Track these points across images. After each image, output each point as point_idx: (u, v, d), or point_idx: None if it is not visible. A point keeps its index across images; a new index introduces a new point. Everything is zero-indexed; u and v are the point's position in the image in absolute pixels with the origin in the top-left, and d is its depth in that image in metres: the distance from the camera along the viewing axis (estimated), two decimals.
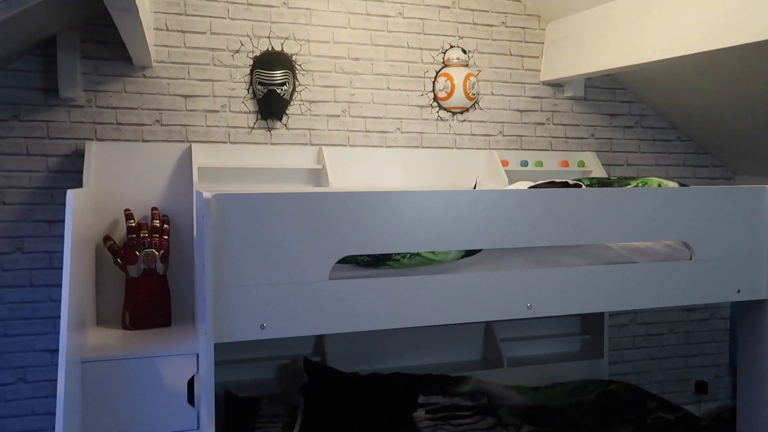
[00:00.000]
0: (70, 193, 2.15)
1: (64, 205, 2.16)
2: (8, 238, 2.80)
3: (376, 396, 2.87)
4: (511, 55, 3.51)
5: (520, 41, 3.52)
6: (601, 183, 2.70)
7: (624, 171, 3.75)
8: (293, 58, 3.12)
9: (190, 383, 2.30)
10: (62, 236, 2.75)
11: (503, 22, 3.48)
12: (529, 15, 3.52)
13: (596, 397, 3.10)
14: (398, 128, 3.33)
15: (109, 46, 2.86)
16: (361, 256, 1.92)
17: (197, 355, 2.31)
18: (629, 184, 2.55)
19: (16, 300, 2.82)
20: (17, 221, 2.80)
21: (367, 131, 3.27)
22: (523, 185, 2.67)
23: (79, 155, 2.82)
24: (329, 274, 1.87)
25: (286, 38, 3.11)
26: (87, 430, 2.20)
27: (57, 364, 2.79)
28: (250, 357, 3.00)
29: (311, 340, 3.12)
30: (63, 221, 2.70)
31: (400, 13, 3.29)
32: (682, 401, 3.68)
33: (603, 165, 3.58)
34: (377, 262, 1.95)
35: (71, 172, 2.83)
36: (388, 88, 3.30)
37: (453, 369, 3.20)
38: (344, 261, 1.91)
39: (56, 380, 2.80)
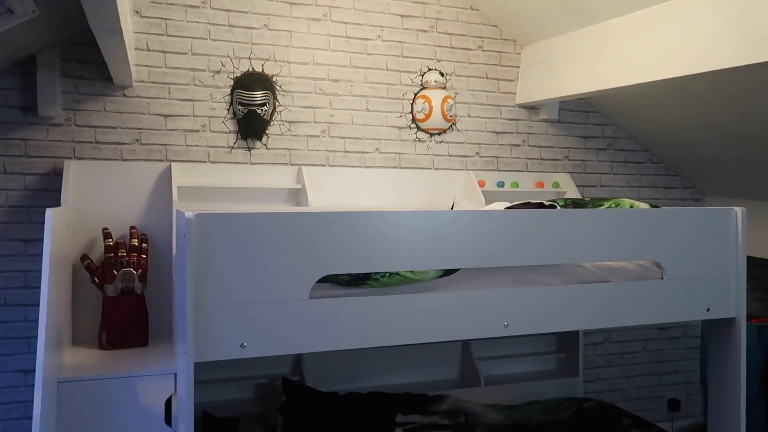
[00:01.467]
0: (49, 212, 2.14)
1: (42, 223, 2.16)
2: None
3: (354, 415, 2.87)
4: (487, 78, 3.58)
5: (497, 65, 3.60)
6: (575, 204, 2.75)
7: (597, 192, 3.84)
8: (274, 79, 3.15)
9: (168, 403, 2.29)
10: (38, 255, 2.73)
11: (480, 46, 3.56)
12: (505, 39, 3.61)
13: (572, 414, 3.13)
14: (377, 149, 3.37)
15: (89, 66, 2.87)
16: (341, 275, 1.95)
17: (175, 374, 2.31)
18: (602, 205, 2.61)
19: None
20: None
21: (346, 151, 3.31)
22: (500, 206, 2.72)
23: (57, 174, 2.81)
24: (310, 293, 1.89)
25: (267, 59, 3.15)
26: None
27: (31, 385, 2.75)
28: (227, 377, 2.98)
29: (289, 360, 3.12)
30: (40, 240, 2.68)
31: (379, 36, 3.35)
32: (655, 418, 3.74)
33: (577, 186, 3.66)
34: (357, 281, 1.97)
35: (49, 190, 2.82)
36: (368, 109, 3.35)
37: (431, 388, 3.22)
38: (325, 280, 1.93)
39: (30, 401, 2.78)
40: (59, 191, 2.72)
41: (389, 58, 3.38)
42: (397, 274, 2.00)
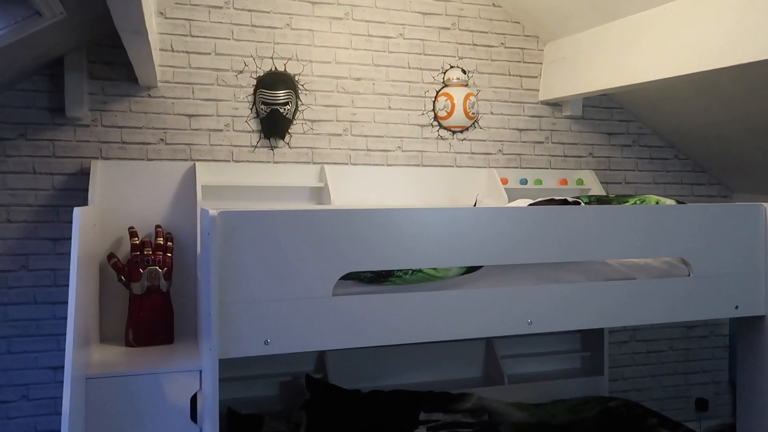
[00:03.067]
0: (77, 211, 2.18)
1: (70, 222, 2.19)
2: (13, 256, 2.82)
3: (377, 413, 2.88)
4: (510, 75, 3.56)
5: (519, 61, 3.58)
6: (599, 200, 2.73)
7: (622, 189, 3.79)
8: (296, 78, 3.17)
9: (193, 400, 2.31)
10: (67, 254, 2.78)
11: (502, 43, 3.54)
12: (528, 36, 3.58)
13: (597, 414, 3.10)
14: (399, 147, 3.37)
15: (115, 67, 2.91)
16: (364, 272, 1.95)
17: (200, 371, 2.33)
18: (627, 202, 2.58)
19: (20, 317, 2.83)
20: (23, 239, 2.83)
21: (368, 150, 3.31)
22: (523, 203, 2.70)
23: (85, 174, 2.85)
24: (333, 290, 1.90)
25: (289, 59, 3.16)
26: None
27: (60, 382, 2.80)
28: (252, 374, 3.01)
29: (313, 358, 3.14)
30: (68, 239, 2.73)
31: (401, 35, 3.35)
32: (682, 418, 3.69)
33: (601, 183, 3.63)
34: (380, 278, 1.97)
35: (77, 190, 2.87)
36: (389, 107, 3.35)
37: (454, 386, 3.21)
38: (347, 277, 1.93)
39: (59, 397, 2.83)
40: (86, 191, 2.76)
41: (411, 56, 3.38)
42: (420, 271, 1.99)
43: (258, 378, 3.03)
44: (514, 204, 2.86)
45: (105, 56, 2.90)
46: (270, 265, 1.84)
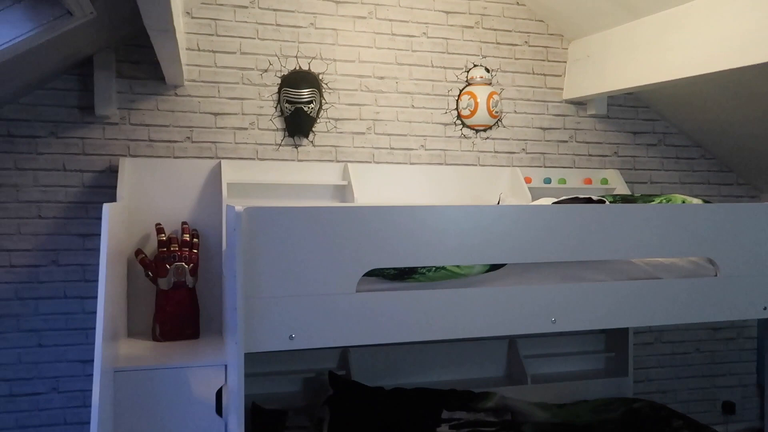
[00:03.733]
0: (106, 207, 2.22)
1: (99, 219, 2.23)
2: (44, 251, 2.88)
3: (400, 410, 2.89)
4: (533, 73, 3.55)
5: (543, 60, 3.56)
6: (624, 199, 2.71)
7: (647, 189, 3.75)
8: (320, 77, 3.19)
9: (219, 394, 2.35)
10: (95, 249, 2.84)
11: (526, 42, 3.53)
12: (552, 34, 3.57)
13: (621, 415, 3.08)
14: (422, 145, 3.37)
15: (143, 66, 2.96)
16: (387, 269, 1.96)
17: (225, 366, 2.36)
18: (653, 201, 2.56)
19: (51, 311, 2.89)
20: (53, 235, 2.89)
21: (391, 148, 3.32)
22: (547, 202, 2.69)
23: (113, 171, 2.90)
24: (356, 287, 1.91)
25: (313, 58, 3.19)
26: None
27: (89, 375, 2.86)
28: (276, 370, 3.04)
29: (336, 354, 3.15)
30: (97, 235, 2.79)
31: (424, 33, 3.36)
32: (708, 422, 3.64)
33: (626, 183, 3.59)
34: (403, 275, 1.98)
35: (105, 187, 2.92)
36: (413, 106, 3.35)
37: (476, 385, 3.21)
38: (371, 274, 1.94)
39: (88, 390, 2.89)
40: (115, 188, 2.81)
41: (434, 54, 3.38)
42: (443, 268, 2.00)
43: (282, 374, 3.06)
44: (537, 203, 2.85)
45: (133, 55, 2.95)
46: (294, 261, 1.86)
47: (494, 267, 2.07)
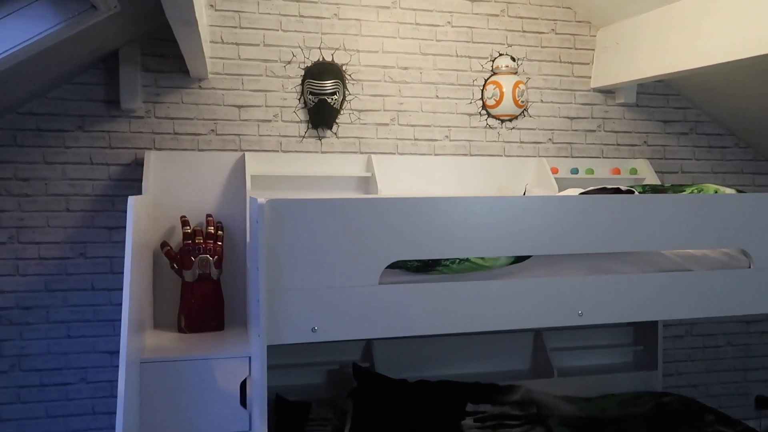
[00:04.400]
0: (131, 200, 2.23)
1: (125, 211, 2.25)
2: (72, 244, 2.92)
3: (424, 403, 2.87)
4: (560, 62, 3.48)
5: (570, 48, 3.49)
6: (654, 190, 2.65)
7: (678, 179, 3.67)
8: (343, 68, 3.17)
9: (243, 386, 2.36)
10: (122, 242, 2.85)
11: (553, 30, 3.46)
12: (580, 22, 3.50)
13: (650, 409, 3.02)
14: (447, 136, 3.34)
15: (168, 60, 2.97)
16: (410, 261, 1.94)
17: (249, 358, 2.37)
18: (684, 191, 2.50)
19: (79, 303, 2.93)
20: (81, 227, 2.92)
21: (415, 139, 3.30)
22: (574, 192, 2.64)
23: (139, 164, 2.93)
24: (379, 279, 1.90)
25: (337, 49, 3.17)
26: (144, 428, 2.27)
27: (116, 366, 2.89)
28: (300, 362, 3.04)
29: (360, 346, 3.15)
30: (123, 227, 2.81)
31: (448, 22, 3.32)
32: (741, 416, 3.55)
33: (656, 173, 3.51)
34: (427, 267, 1.96)
35: (131, 180, 2.95)
36: (437, 96, 3.32)
37: (501, 378, 3.18)
38: (394, 266, 1.92)
39: (115, 381, 2.92)
40: (140, 181, 2.83)
41: (459, 44, 3.34)
42: (468, 260, 1.97)
43: (305, 366, 3.06)
44: (564, 194, 2.80)
45: (158, 49, 2.96)
46: (317, 253, 1.85)
47: (519, 259, 2.04)
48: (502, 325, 2.05)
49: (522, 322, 2.07)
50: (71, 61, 2.64)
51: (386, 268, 1.90)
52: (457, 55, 3.34)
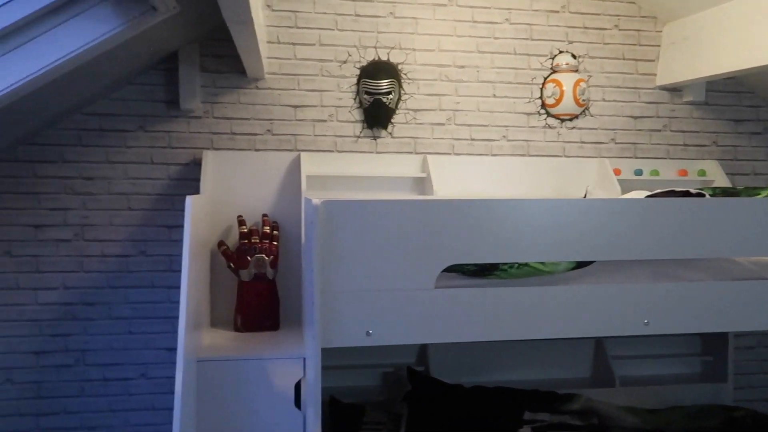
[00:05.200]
0: (189, 199, 2.26)
1: (183, 211, 2.28)
2: (133, 242, 2.98)
3: (480, 409, 2.81)
4: (624, 59, 3.35)
5: (635, 44, 3.36)
6: (725, 193, 2.51)
7: (750, 181, 3.48)
8: (399, 67, 3.14)
9: (297, 387, 2.35)
10: (181, 240, 2.89)
11: (616, 25, 3.34)
12: (644, 17, 3.36)
13: (720, 424, 2.87)
14: (504, 136, 3.26)
15: (225, 60, 3.00)
16: (467, 265, 1.89)
17: (304, 359, 2.36)
18: (759, 194, 2.36)
19: (139, 300, 3.00)
20: (141, 226, 2.99)
21: (472, 139, 3.23)
22: (639, 195, 2.53)
23: (197, 164, 2.96)
24: (435, 283, 1.85)
25: (392, 48, 3.13)
26: (201, 426, 2.29)
27: (174, 363, 2.94)
28: (354, 364, 3.02)
29: (414, 349, 3.11)
30: (182, 226, 2.85)
31: (507, 20, 3.24)
32: None
33: (726, 174, 3.34)
34: (484, 271, 1.91)
35: (189, 179, 2.99)
36: (494, 95, 3.25)
37: (560, 386, 3.08)
38: (450, 270, 1.88)
39: (173, 378, 2.95)
40: (198, 180, 2.87)
41: (517, 41, 3.25)
42: (527, 265, 1.91)
43: (360, 368, 3.04)
44: (628, 196, 2.69)
45: (215, 50, 3.00)
46: (372, 255, 1.82)
47: (581, 264, 1.96)
48: (562, 334, 1.97)
49: (583, 331, 1.99)
50: (133, 62, 2.70)
51: (442, 271, 1.86)
52: (516, 53, 3.26)
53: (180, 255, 2.86)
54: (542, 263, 1.92)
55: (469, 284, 1.91)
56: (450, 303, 1.87)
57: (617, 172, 3.22)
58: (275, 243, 2.79)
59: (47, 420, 2.95)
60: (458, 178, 3.10)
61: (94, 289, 2.97)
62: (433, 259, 1.85)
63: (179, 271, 2.90)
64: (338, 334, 1.82)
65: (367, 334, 1.83)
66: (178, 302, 2.79)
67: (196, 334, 2.38)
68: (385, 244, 1.82)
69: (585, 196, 3.00)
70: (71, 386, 2.96)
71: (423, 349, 3.08)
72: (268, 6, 3.01)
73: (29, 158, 2.89)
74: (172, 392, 2.97)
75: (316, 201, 1.80)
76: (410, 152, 3.17)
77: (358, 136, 3.13)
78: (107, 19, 1.99)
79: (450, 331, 1.90)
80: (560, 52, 3.28)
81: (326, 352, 1.82)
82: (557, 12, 3.28)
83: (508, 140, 3.27)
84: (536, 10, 3.26)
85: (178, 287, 2.78)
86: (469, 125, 3.22)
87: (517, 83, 3.26)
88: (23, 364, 2.92)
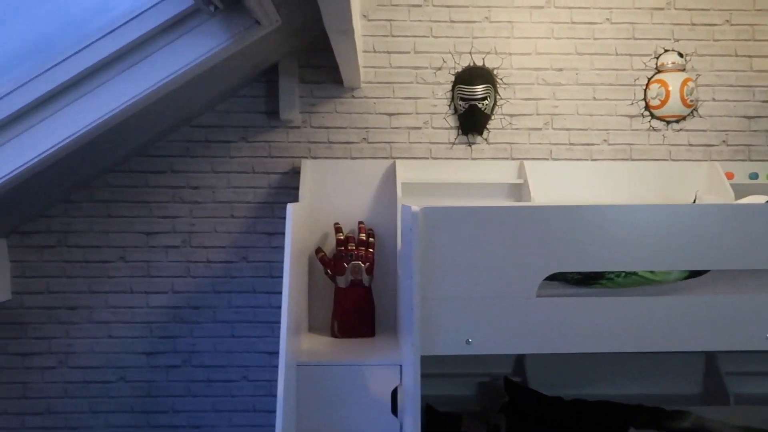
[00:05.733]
0: (290, 207, 2.32)
1: (283, 218, 2.35)
2: (236, 248, 3.10)
3: (581, 424, 2.70)
4: (736, 56, 3.15)
5: (748, 40, 3.15)
6: None
7: None
8: (494, 72, 3.09)
9: (394, 393, 2.36)
10: (280, 247, 2.99)
11: (727, 21, 3.15)
12: (759, 10, 3.15)
13: None
14: (605, 140, 3.14)
15: (322, 70, 3.06)
16: (571, 273, 1.83)
17: (400, 366, 2.36)
18: None
19: (241, 305, 3.11)
20: (243, 233, 3.10)
21: (570, 144, 3.14)
22: (758, 199, 2.37)
23: (296, 172, 3.04)
24: (537, 291, 1.80)
25: (488, 53, 3.10)
26: (300, 428, 2.34)
27: (274, 366, 3.03)
28: (449, 372, 2.99)
29: (511, 359, 3.04)
30: (281, 233, 2.94)
31: (607, 19, 3.12)
32: None
33: None
34: (589, 280, 1.84)
35: (289, 188, 3.07)
36: (594, 98, 3.14)
37: (668, 401, 2.91)
38: (553, 278, 1.83)
39: (273, 380, 3.06)
40: (297, 188, 2.94)
41: (618, 41, 3.13)
42: (635, 274, 1.83)
43: (456, 376, 3.00)
44: (744, 201, 2.52)
45: (313, 61, 3.07)
46: (472, 263, 1.80)
47: (695, 273, 1.85)
48: (673, 347, 1.87)
49: (697, 345, 1.88)
50: (237, 75, 2.81)
51: (544, 280, 1.81)
52: (617, 54, 3.14)
53: (279, 261, 2.97)
54: (652, 272, 1.83)
55: (573, 293, 1.85)
56: (553, 312, 1.82)
57: (729, 176, 3.03)
58: (371, 250, 2.81)
59: (156, 417, 3.11)
60: (556, 184, 3.02)
61: (199, 293, 3.11)
62: (535, 267, 1.80)
63: (279, 277, 3.01)
64: (437, 343, 1.81)
65: (467, 342, 1.81)
66: (278, 307, 2.89)
67: (296, 339, 2.44)
68: (486, 251, 1.79)
69: (694, 202, 2.84)
70: (178, 386, 3.11)
71: (520, 359, 3.00)
72: (365, 16, 3.06)
73: (141, 169, 3.07)
74: (272, 395, 3.09)
75: (415, 208, 1.79)
76: (506, 158, 3.12)
77: (453, 143, 3.12)
78: (215, 34, 2.08)
79: (552, 342, 1.84)
80: (665, 50, 3.13)
81: (423, 360, 1.82)
82: (662, 9, 3.13)
83: (609, 144, 3.15)
84: (639, 8, 3.13)
85: (278, 293, 2.88)
86: (567, 129, 3.13)
87: (619, 85, 3.14)
88: (136, 363, 3.10)
